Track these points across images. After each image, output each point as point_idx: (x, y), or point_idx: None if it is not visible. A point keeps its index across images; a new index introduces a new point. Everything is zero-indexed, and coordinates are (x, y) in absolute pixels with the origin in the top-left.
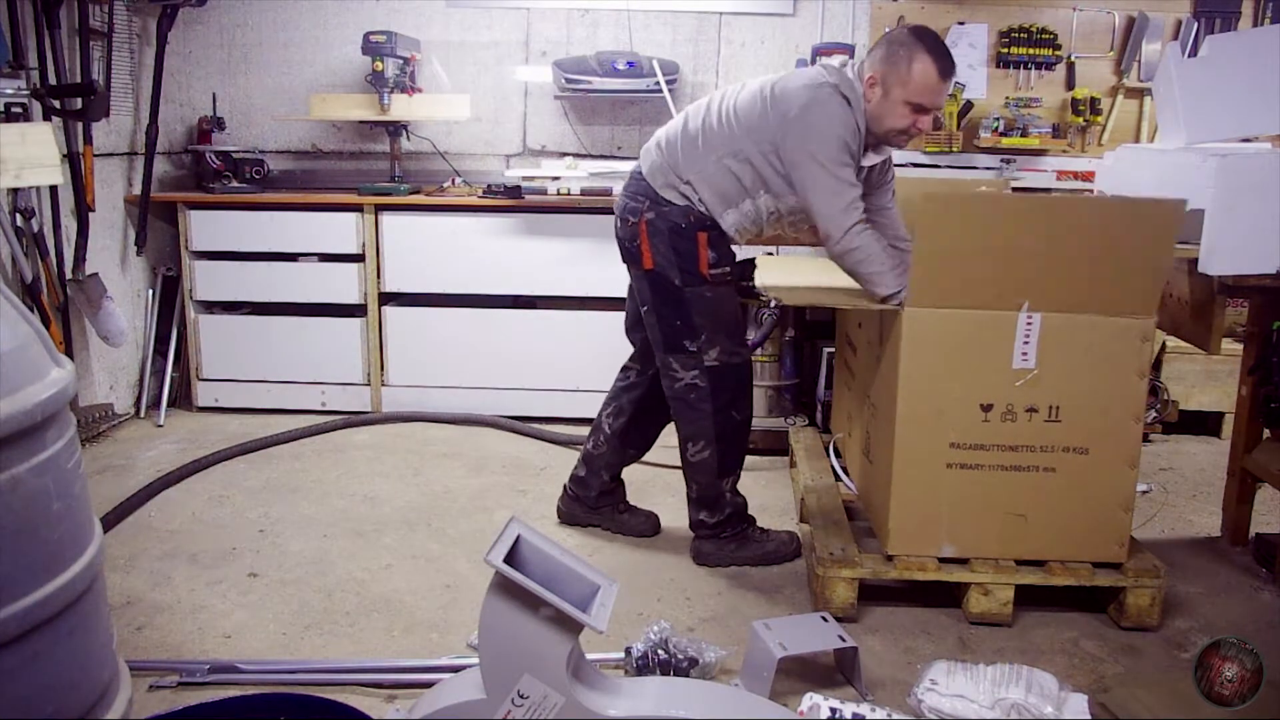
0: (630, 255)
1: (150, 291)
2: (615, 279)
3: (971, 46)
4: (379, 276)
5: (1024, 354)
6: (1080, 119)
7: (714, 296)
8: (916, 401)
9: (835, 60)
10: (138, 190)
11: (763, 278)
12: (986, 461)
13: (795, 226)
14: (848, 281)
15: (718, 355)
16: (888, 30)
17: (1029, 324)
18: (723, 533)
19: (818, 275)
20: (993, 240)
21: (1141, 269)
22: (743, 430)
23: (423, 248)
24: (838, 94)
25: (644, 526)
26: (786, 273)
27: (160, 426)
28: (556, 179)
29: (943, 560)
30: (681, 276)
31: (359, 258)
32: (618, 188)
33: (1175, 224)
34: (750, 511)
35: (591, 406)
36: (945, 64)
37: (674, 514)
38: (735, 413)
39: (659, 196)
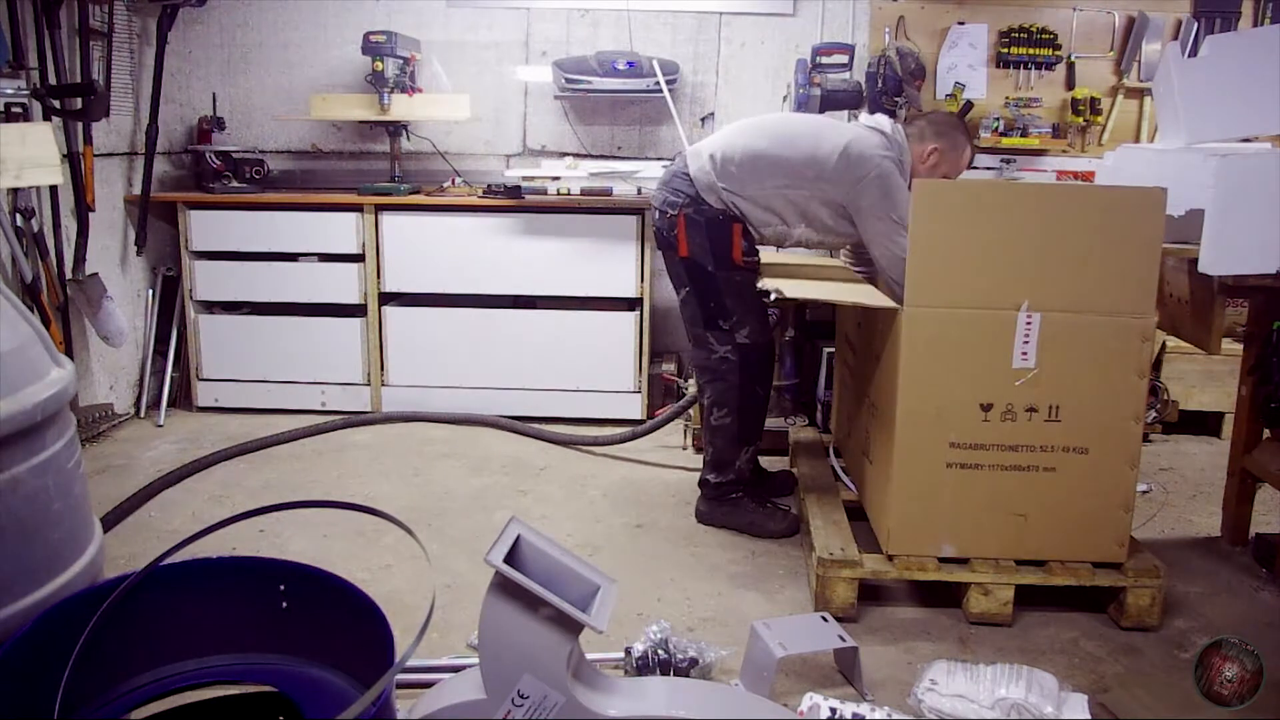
0: (666, 243)
1: (150, 291)
2: (615, 279)
3: (971, 46)
4: (379, 276)
5: (1024, 353)
6: (1080, 119)
7: (743, 281)
8: (916, 401)
9: (884, 124)
10: (138, 190)
11: (763, 275)
12: (986, 461)
13: (810, 245)
14: (847, 281)
15: (748, 334)
16: (931, 114)
17: (1028, 323)
18: (723, 495)
19: (817, 273)
20: (985, 228)
21: (1134, 260)
22: (763, 404)
23: (423, 248)
24: (900, 166)
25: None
26: (786, 270)
27: (160, 426)
28: (556, 179)
29: (943, 560)
30: (715, 263)
31: (359, 258)
32: (618, 188)
33: (1159, 212)
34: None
35: (591, 406)
36: (974, 153)
37: (674, 512)
38: (759, 388)
39: (700, 198)
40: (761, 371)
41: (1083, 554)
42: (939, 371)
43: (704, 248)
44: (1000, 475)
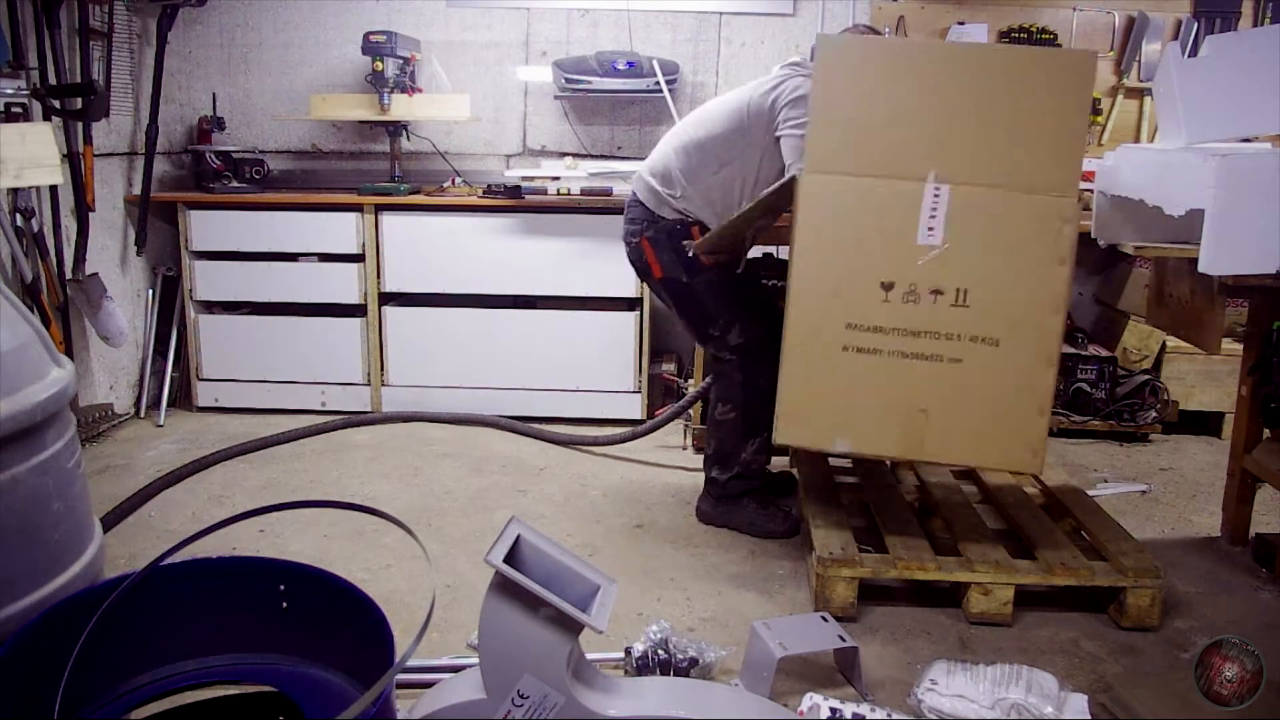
0: (642, 270)
1: (150, 291)
2: (615, 279)
3: None
4: (379, 276)
5: (930, 229)
6: None
7: (719, 280)
8: (811, 276)
9: (795, 59)
10: (138, 190)
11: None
12: (885, 346)
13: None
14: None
15: (740, 332)
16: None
17: (936, 195)
18: (729, 493)
19: None
20: (894, 89)
21: (1057, 132)
22: (769, 397)
23: (423, 248)
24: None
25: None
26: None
27: (160, 426)
28: (556, 179)
29: (940, 558)
30: (686, 272)
31: (359, 258)
32: (618, 188)
33: (1087, 78)
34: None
35: (591, 406)
36: None
37: (674, 513)
38: (763, 382)
39: (656, 215)
40: (763, 366)
41: (991, 459)
42: (837, 245)
43: (674, 261)
44: (900, 363)
